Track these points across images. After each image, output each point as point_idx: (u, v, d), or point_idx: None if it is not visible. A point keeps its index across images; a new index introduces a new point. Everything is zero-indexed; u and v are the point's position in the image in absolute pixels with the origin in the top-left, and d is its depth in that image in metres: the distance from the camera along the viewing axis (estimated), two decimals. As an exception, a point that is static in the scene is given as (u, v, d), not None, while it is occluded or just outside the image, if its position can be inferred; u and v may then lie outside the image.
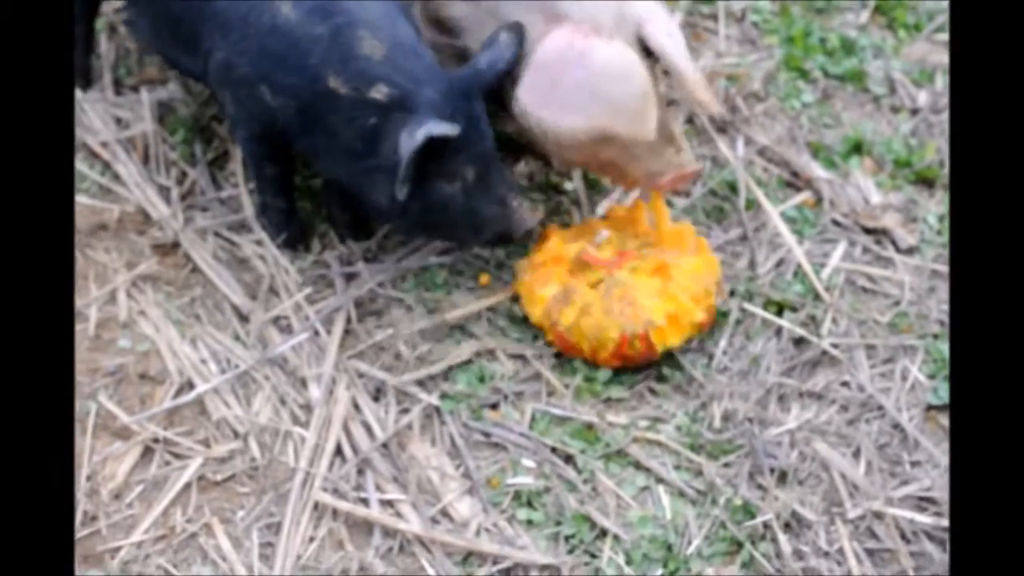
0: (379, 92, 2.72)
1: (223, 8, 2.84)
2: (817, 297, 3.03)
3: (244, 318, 2.97)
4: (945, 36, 3.71)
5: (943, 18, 3.75)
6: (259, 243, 3.10)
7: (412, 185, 2.72)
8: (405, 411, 2.82)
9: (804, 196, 3.26)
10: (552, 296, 2.85)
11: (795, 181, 3.31)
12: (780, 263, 3.11)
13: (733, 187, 3.25)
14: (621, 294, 2.83)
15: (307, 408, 2.80)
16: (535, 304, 2.88)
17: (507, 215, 2.83)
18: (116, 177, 3.21)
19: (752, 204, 3.22)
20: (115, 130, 3.29)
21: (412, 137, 2.67)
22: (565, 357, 2.90)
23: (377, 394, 2.84)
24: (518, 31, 2.80)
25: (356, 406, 2.81)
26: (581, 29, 2.76)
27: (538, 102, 2.80)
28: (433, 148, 2.68)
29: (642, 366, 2.88)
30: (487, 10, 2.87)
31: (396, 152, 2.70)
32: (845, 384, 2.87)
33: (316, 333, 2.92)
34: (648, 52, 2.80)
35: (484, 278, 3.03)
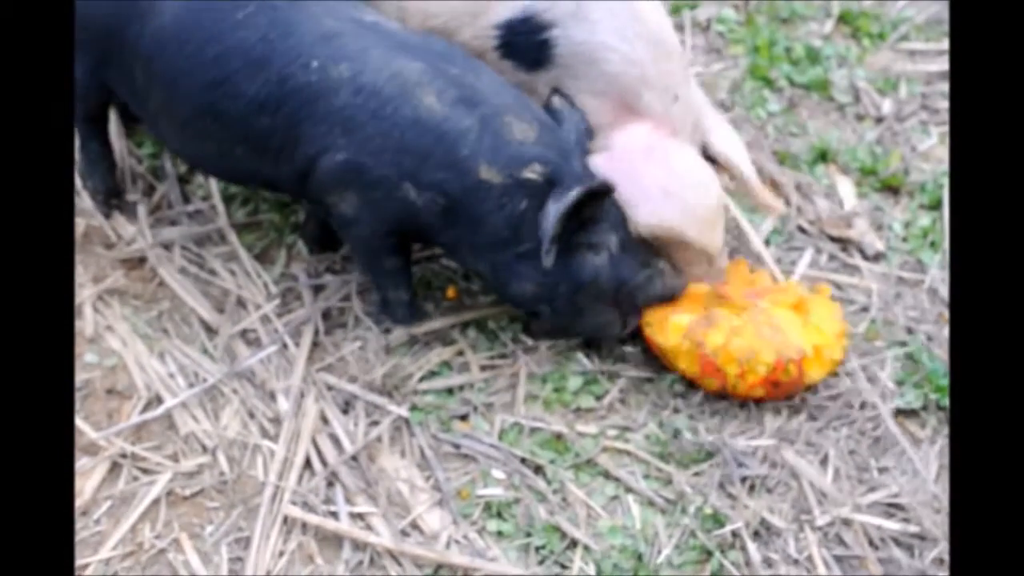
0: (533, 172, 2.68)
1: (344, 106, 2.71)
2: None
3: (212, 331, 2.96)
4: (909, 45, 3.74)
5: (906, 27, 3.78)
6: (227, 256, 3.09)
7: (560, 263, 2.70)
8: (374, 423, 2.81)
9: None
10: (694, 320, 2.81)
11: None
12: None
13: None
14: (768, 321, 2.80)
15: (276, 421, 2.79)
16: (669, 331, 2.82)
17: (655, 278, 2.81)
18: (81, 191, 3.19)
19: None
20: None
21: (563, 198, 2.65)
22: (539, 369, 2.90)
23: (346, 406, 2.84)
24: (566, 97, 2.84)
25: (325, 419, 2.80)
26: (662, 129, 2.79)
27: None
28: (580, 217, 2.69)
29: (780, 396, 2.84)
30: (546, 81, 2.88)
31: (543, 229, 2.68)
32: (812, 390, 2.88)
33: (284, 346, 2.92)
34: (710, 160, 2.87)
35: (451, 291, 3.03)
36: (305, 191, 2.83)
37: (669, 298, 2.84)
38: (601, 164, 2.78)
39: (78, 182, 3.18)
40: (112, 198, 3.18)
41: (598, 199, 2.69)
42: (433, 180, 2.70)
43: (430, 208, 2.73)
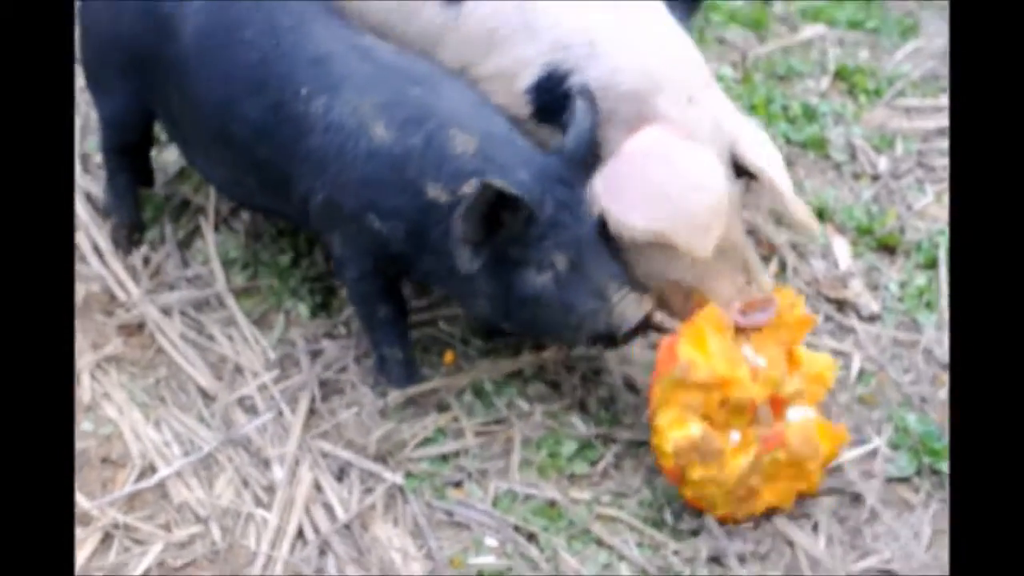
0: (471, 187, 2.61)
1: (319, 146, 2.72)
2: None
3: (209, 398, 2.98)
4: (905, 101, 3.75)
5: (903, 84, 3.79)
6: (225, 322, 3.11)
7: (501, 277, 2.65)
8: (368, 491, 2.82)
9: (771, 266, 3.28)
10: (693, 441, 2.65)
11: (758, 250, 3.32)
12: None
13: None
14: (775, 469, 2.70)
15: (270, 489, 2.80)
16: (669, 441, 2.67)
17: (606, 310, 2.64)
18: (82, 256, 3.23)
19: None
20: (83, 207, 3.30)
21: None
22: (533, 434, 2.90)
23: (340, 474, 2.85)
24: (588, 96, 2.71)
25: (319, 487, 2.81)
26: (677, 131, 2.70)
27: (611, 193, 2.68)
28: (498, 224, 2.59)
29: None
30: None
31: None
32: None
33: (280, 413, 2.93)
34: (741, 170, 2.74)
35: (449, 356, 3.04)
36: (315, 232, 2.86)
37: (628, 331, 2.65)
38: (607, 168, 2.71)
39: (81, 244, 3.21)
40: (135, 232, 3.21)
41: (509, 203, 2.56)
42: (391, 207, 2.70)
43: (395, 236, 2.73)
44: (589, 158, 2.73)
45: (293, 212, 2.88)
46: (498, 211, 2.58)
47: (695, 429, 2.65)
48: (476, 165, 2.64)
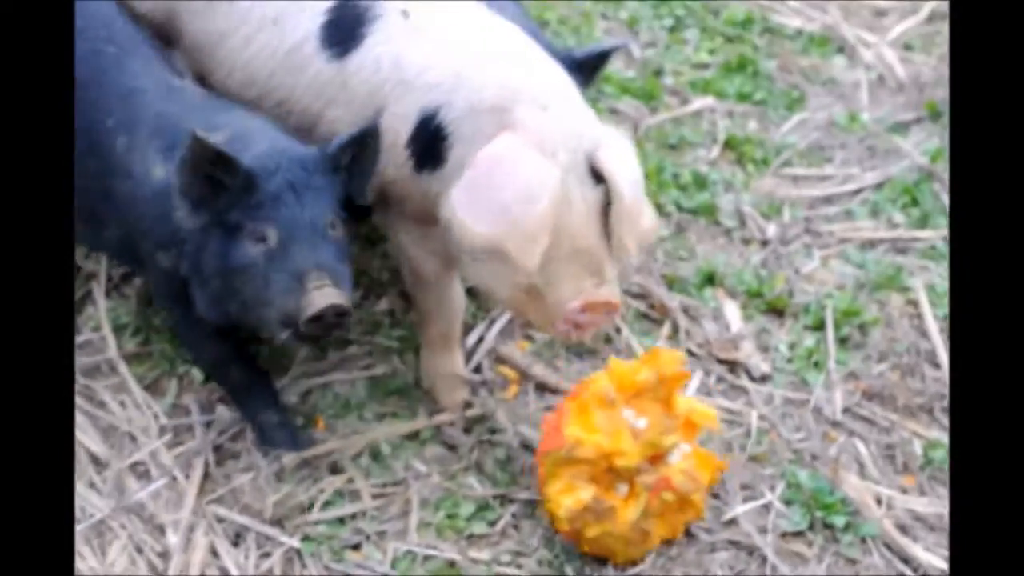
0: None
1: (114, 186, 2.80)
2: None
3: (101, 465, 2.93)
4: (792, 170, 3.86)
5: (789, 153, 3.90)
6: (116, 388, 3.07)
7: (221, 240, 2.66)
8: (266, 555, 2.79)
9: (663, 328, 3.34)
10: (584, 506, 2.71)
11: (651, 313, 3.38)
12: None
13: (591, 320, 3.32)
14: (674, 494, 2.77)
15: (165, 556, 2.76)
16: (562, 503, 2.73)
17: (299, 292, 2.61)
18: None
19: (610, 337, 3.28)
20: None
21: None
22: (431, 495, 2.90)
23: (237, 539, 2.81)
24: (377, 114, 2.76)
25: (215, 552, 2.77)
26: (526, 139, 2.67)
27: (461, 203, 2.68)
28: (236, 196, 2.62)
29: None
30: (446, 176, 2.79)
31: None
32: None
33: (174, 478, 2.89)
34: (600, 178, 2.71)
35: (320, 422, 3.04)
36: None
37: (313, 318, 2.61)
38: (460, 182, 2.69)
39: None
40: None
41: (222, 162, 2.60)
42: (164, 237, 2.74)
43: (179, 264, 2.77)
44: (346, 160, 2.74)
45: (114, 252, 2.94)
46: (216, 171, 2.62)
47: (585, 494, 2.70)
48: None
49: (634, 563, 2.78)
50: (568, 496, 2.71)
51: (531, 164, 2.65)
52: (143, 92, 2.81)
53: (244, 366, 2.96)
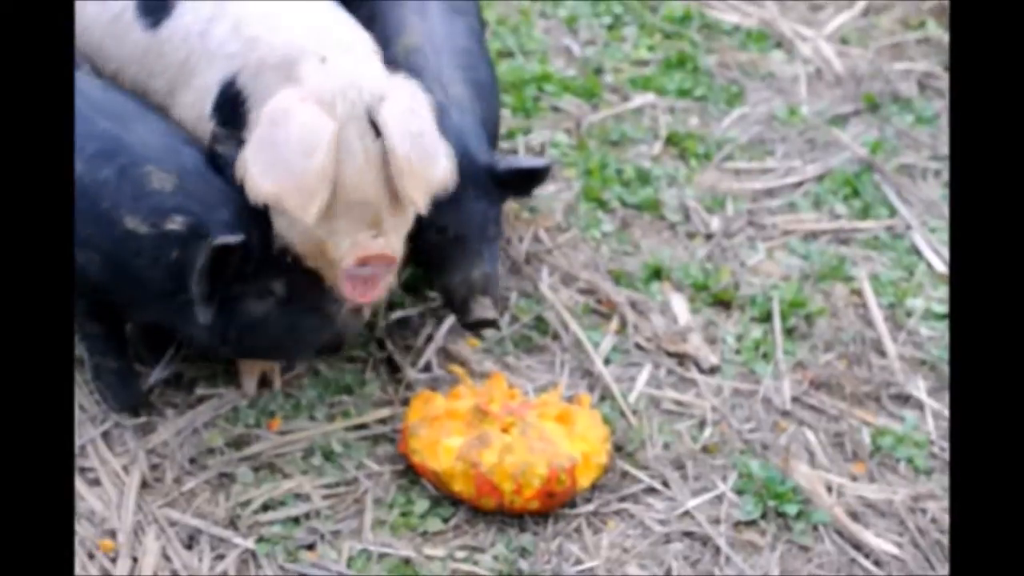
0: (174, 223, 2.70)
1: None
2: (626, 420, 3.10)
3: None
4: (734, 164, 3.89)
5: (731, 147, 3.93)
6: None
7: (226, 309, 2.71)
8: (220, 557, 2.77)
9: (611, 323, 3.35)
10: (465, 442, 2.84)
11: (599, 308, 3.40)
12: (591, 388, 3.18)
13: (540, 317, 3.33)
14: (538, 434, 2.86)
15: (115, 560, 2.73)
16: (441, 454, 2.85)
17: (328, 322, 2.81)
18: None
19: (558, 334, 3.29)
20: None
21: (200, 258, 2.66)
22: (385, 494, 2.89)
23: (190, 542, 2.79)
24: (229, 140, 2.79)
25: (167, 556, 2.74)
26: (305, 94, 2.67)
27: (249, 159, 2.68)
28: (238, 268, 2.68)
29: (555, 507, 2.88)
30: None
31: (192, 292, 2.68)
32: (652, 506, 2.93)
33: (121, 482, 2.86)
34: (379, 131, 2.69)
35: (275, 422, 3.03)
36: None
37: (339, 341, 2.87)
38: (249, 140, 2.70)
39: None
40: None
41: (234, 252, 2.66)
42: (83, 237, 2.72)
43: (91, 265, 2.76)
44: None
45: None
46: (226, 262, 2.67)
47: (455, 440, 2.86)
48: (177, 202, 2.71)
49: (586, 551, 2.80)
50: (445, 451, 2.86)
51: (306, 117, 2.65)
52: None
53: (105, 323, 2.97)
